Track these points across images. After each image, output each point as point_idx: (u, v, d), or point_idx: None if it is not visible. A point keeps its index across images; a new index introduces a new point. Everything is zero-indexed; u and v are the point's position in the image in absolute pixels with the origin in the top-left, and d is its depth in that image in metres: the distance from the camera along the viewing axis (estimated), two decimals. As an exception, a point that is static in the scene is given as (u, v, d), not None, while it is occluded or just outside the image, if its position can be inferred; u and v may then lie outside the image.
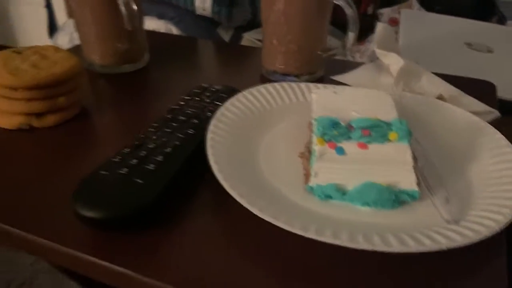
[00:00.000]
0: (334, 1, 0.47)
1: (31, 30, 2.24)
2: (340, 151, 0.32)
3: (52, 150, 0.42)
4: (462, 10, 1.02)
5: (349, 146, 0.32)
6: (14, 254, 1.16)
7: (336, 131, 0.33)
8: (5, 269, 1.13)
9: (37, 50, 0.46)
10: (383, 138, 0.31)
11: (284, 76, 0.53)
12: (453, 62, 0.70)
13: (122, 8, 0.49)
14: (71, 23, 0.87)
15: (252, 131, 0.41)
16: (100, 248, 0.31)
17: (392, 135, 0.31)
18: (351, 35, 0.48)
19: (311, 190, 0.33)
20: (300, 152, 0.38)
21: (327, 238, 0.27)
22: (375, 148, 0.31)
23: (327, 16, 0.51)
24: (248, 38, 0.77)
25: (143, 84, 0.56)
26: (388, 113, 0.35)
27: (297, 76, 0.53)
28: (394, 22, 0.92)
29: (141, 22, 0.55)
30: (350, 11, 0.47)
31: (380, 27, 0.55)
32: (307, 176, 0.35)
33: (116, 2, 0.50)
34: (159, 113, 0.42)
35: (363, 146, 0.32)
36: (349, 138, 0.33)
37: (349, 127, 0.33)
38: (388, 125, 0.32)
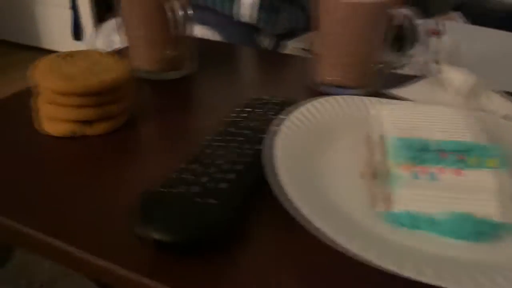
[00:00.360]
0: (399, 12, 0.45)
1: (56, 32, 2.25)
2: (432, 176, 0.29)
3: (102, 159, 0.40)
4: (501, 22, 0.99)
5: (441, 172, 0.29)
6: (31, 257, 1.15)
7: (424, 154, 0.30)
8: (22, 273, 1.12)
9: (86, 55, 0.44)
10: (480, 164, 0.28)
11: (337, 88, 0.50)
12: (509, 78, 0.66)
13: (169, 14, 0.47)
14: (108, 26, 0.85)
15: (314, 147, 0.38)
16: (157, 270, 0.28)
17: (491, 162, 0.28)
18: (415, 47, 0.46)
19: (390, 216, 0.30)
20: (364, 171, 0.36)
21: (428, 278, 0.24)
22: (471, 175, 0.28)
23: (387, 27, 0.48)
24: (291, 47, 0.74)
25: (189, 92, 0.53)
26: (477, 136, 0.32)
27: (351, 89, 0.50)
28: (435, 34, 0.88)
29: (189, 29, 0.53)
30: (415, 22, 0.44)
31: (444, 40, 0.52)
32: (384, 200, 0.32)
33: (166, 6, 0.48)
34: (207, 122, 0.41)
35: (457, 172, 0.29)
36: (440, 162, 0.30)
37: (439, 151, 0.30)
38: (484, 149, 0.30)
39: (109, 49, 0.70)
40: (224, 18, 0.76)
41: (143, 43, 0.51)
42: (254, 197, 0.34)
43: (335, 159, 0.37)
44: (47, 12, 2.26)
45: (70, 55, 0.43)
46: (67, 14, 2.19)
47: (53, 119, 0.41)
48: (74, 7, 2.11)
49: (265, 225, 0.32)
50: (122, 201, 0.34)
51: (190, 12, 0.48)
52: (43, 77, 0.40)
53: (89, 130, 0.42)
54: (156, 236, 0.27)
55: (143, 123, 0.46)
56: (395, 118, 0.36)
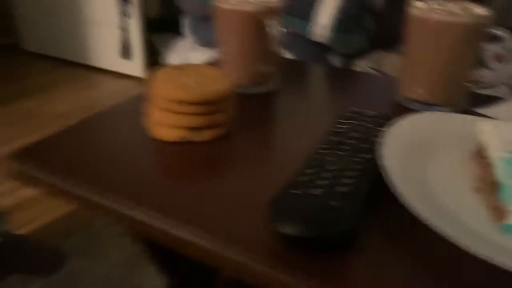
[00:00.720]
0: (496, 32, 0.46)
1: (104, 50, 2.36)
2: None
3: (211, 163, 0.43)
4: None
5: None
6: (86, 264, 1.18)
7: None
8: (76, 279, 1.16)
9: (194, 68, 0.47)
10: None
11: (426, 105, 0.52)
12: None
13: (271, 30, 0.50)
14: (184, 43, 0.90)
15: (419, 159, 0.40)
16: (286, 262, 0.30)
17: None
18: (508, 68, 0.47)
19: (509, 228, 0.32)
20: (479, 186, 0.37)
21: None
22: None
23: (480, 46, 0.49)
24: (361, 66, 0.77)
25: (277, 105, 0.56)
26: None
27: (438, 106, 0.52)
28: (500, 59, 0.89)
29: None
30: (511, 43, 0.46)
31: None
32: (498, 213, 0.33)
33: (263, 24, 0.51)
34: (302, 131, 0.46)
35: None
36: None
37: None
38: None
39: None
40: (297, 37, 0.79)
41: (237, 58, 0.54)
42: (370, 202, 0.36)
43: (442, 172, 0.39)
44: (96, 32, 2.37)
45: (182, 67, 0.47)
46: (115, 34, 2.30)
47: (165, 125, 0.45)
48: (124, 27, 2.22)
49: (382, 229, 0.34)
50: (245, 200, 0.37)
51: (283, 29, 0.51)
52: (162, 86, 0.43)
53: (197, 137, 0.45)
54: (291, 231, 0.30)
55: (241, 132, 0.48)
56: (501, 134, 0.37)
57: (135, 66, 2.32)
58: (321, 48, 0.82)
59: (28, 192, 1.45)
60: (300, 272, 0.29)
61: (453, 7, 0.51)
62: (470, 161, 0.40)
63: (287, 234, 0.30)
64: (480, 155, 0.39)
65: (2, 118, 1.85)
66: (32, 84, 2.23)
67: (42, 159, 0.42)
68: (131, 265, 1.15)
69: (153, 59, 2.37)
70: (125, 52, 2.30)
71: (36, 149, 0.43)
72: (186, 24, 1.81)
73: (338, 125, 0.43)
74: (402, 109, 0.53)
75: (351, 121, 0.44)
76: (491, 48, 0.97)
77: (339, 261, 0.31)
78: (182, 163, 0.43)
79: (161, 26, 2.47)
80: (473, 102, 0.54)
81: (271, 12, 0.52)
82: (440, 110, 0.51)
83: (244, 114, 0.53)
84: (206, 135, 0.45)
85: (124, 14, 2.20)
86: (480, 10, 0.49)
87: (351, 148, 0.38)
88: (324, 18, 0.77)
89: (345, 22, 0.77)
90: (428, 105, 0.52)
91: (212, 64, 0.59)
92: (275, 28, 0.52)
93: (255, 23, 0.52)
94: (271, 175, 0.41)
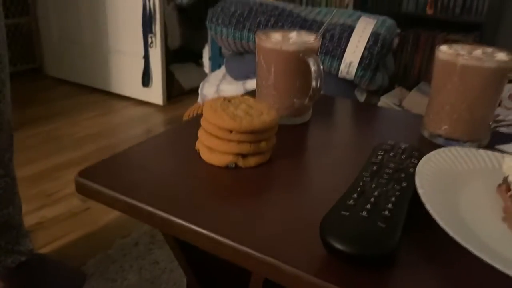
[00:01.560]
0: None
1: (125, 78, 2.45)
2: None
3: (257, 186, 0.47)
4: None
5: None
6: (104, 285, 1.20)
7: None
8: None
9: (241, 100, 0.52)
10: None
11: (449, 140, 0.56)
12: None
13: (313, 68, 0.55)
14: (216, 75, 0.96)
15: (449, 189, 0.43)
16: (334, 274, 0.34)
17: None
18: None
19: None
20: (506, 216, 0.41)
21: None
22: None
23: (503, 88, 0.54)
24: (384, 101, 0.82)
25: (309, 135, 0.61)
26: None
27: (463, 142, 0.56)
28: (514, 97, 0.93)
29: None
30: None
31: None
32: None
33: (302, 62, 0.56)
34: (335, 161, 0.51)
35: None
36: None
37: None
38: None
39: (216, 96, 0.79)
40: (325, 74, 0.85)
41: (275, 92, 0.59)
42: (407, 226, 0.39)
43: (471, 202, 0.43)
44: (118, 60, 2.46)
45: (231, 99, 0.52)
46: (136, 62, 2.39)
47: (217, 151, 0.49)
48: (146, 57, 2.31)
49: (417, 249, 0.38)
50: (290, 220, 0.41)
51: (322, 67, 0.56)
52: (215, 116, 0.48)
53: (244, 163, 0.49)
54: (344, 248, 0.33)
55: (281, 159, 0.53)
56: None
57: (154, 94, 2.40)
58: (347, 85, 0.87)
59: (49, 212, 1.49)
60: (349, 285, 0.33)
61: (476, 52, 0.56)
62: (496, 193, 0.44)
63: (341, 250, 0.33)
64: (506, 188, 0.43)
65: (24, 140, 1.91)
66: (54, 108, 2.31)
67: (104, 177, 0.46)
68: None
69: (172, 88, 2.46)
70: (146, 80, 2.39)
71: (99, 168, 0.48)
72: (205, 54, 1.87)
73: (376, 156, 0.47)
74: (427, 143, 0.57)
75: (387, 152, 0.48)
76: (507, 88, 1.02)
77: (382, 276, 0.34)
78: (230, 186, 0.47)
79: (181, 57, 2.57)
80: (493, 139, 0.58)
81: (309, 51, 0.57)
82: (463, 146, 0.55)
83: (281, 143, 0.57)
84: (252, 161, 0.49)
85: (147, 45, 2.30)
86: (502, 55, 0.53)
87: (388, 176, 0.43)
88: (351, 57, 0.82)
89: (370, 61, 0.83)
90: (451, 140, 0.56)
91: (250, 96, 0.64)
92: (313, 66, 0.57)
93: (295, 61, 0.57)
94: (312, 197, 0.46)
